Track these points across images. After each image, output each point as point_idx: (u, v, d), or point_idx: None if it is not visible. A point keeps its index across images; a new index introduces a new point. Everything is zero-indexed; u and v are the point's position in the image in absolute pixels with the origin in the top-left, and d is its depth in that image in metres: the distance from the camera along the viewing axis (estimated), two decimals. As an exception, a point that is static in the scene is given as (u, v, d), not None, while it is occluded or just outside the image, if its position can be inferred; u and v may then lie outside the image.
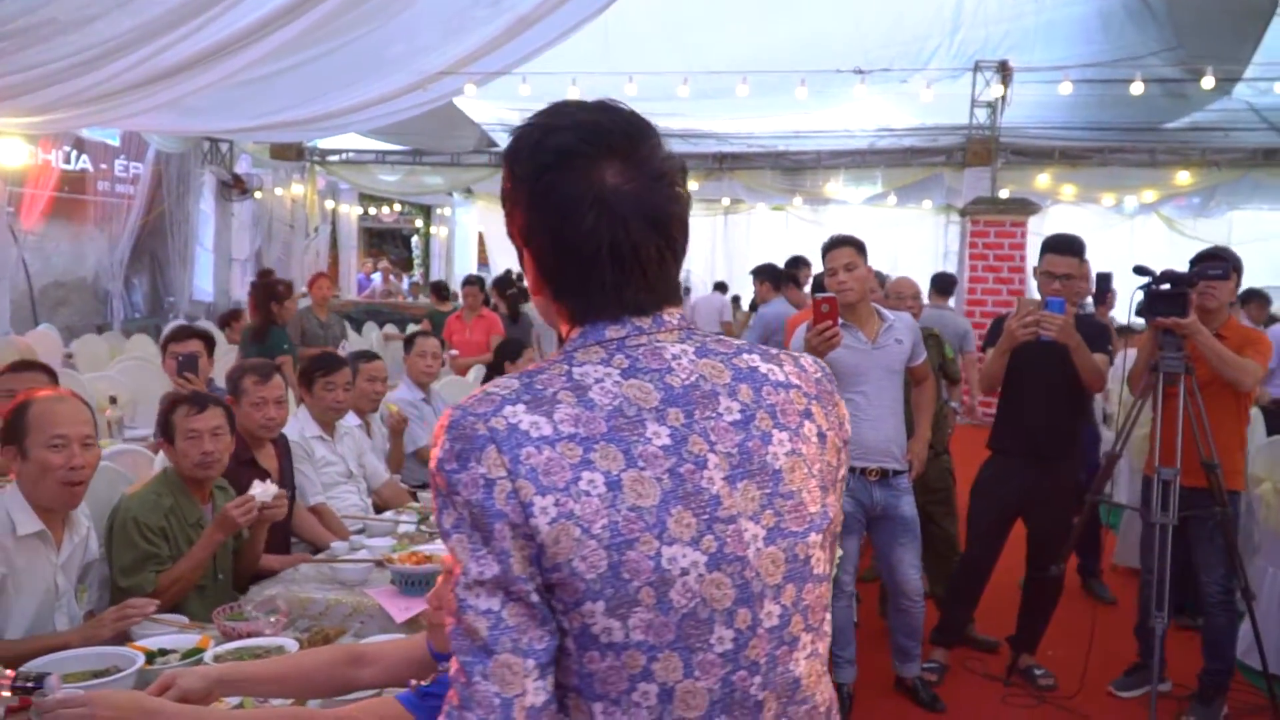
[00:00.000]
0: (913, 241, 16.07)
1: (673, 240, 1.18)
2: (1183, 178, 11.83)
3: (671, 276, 1.21)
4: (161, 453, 3.39)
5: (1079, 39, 11.06)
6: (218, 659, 2.26)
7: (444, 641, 1.80)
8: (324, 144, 14.20)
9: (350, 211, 16.43)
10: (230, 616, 2.54)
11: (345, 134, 12.81)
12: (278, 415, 3.53)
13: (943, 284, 7.86)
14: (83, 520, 2.71)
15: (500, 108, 13.03)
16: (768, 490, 1.13)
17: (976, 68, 11.31)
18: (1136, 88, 9.31)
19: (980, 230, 10.79)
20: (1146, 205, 14.13)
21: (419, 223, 18.64)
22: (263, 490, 2.96)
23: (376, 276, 16.62)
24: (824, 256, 3.99)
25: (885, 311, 4.03)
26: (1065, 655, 4.48)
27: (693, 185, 13.30)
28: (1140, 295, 3.88)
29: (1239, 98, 11.70)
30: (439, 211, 18.18)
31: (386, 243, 21.24)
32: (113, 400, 5.14)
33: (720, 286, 15.01)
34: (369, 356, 4.56)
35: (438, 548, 3.03)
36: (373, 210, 18.20)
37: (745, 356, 1.20)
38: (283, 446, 3.69)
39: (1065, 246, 4.19)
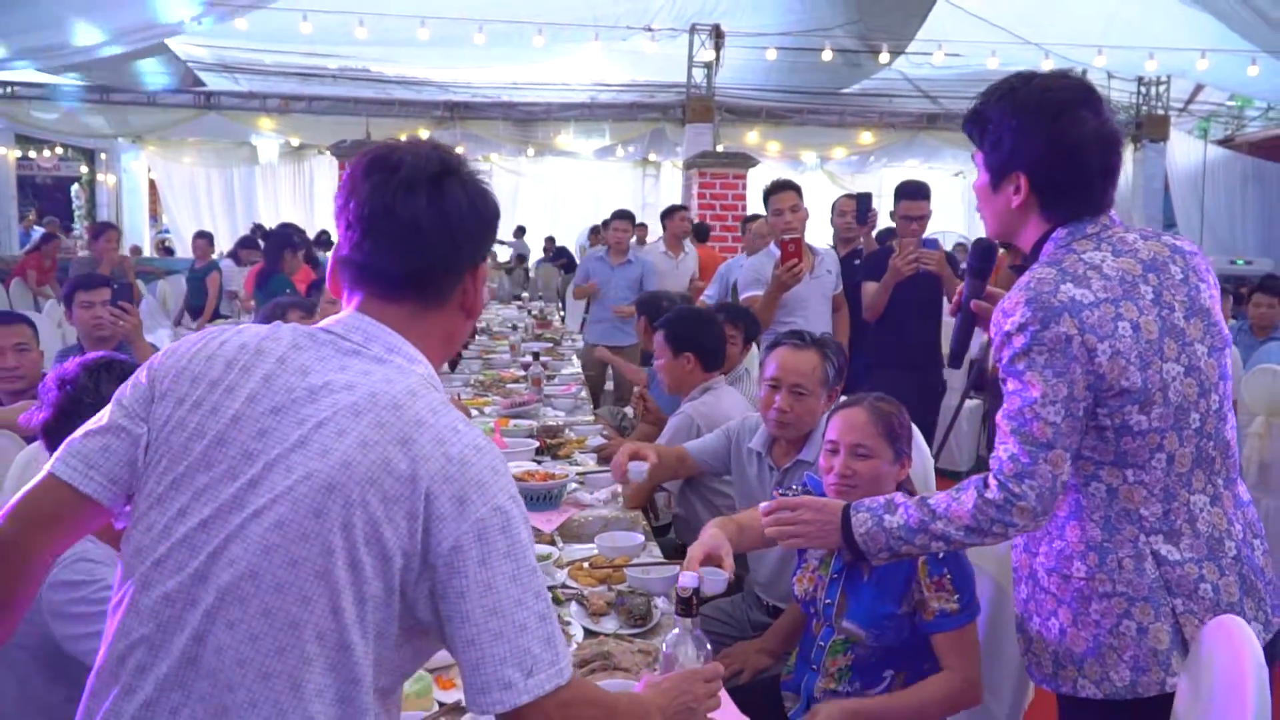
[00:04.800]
0: (613, 193, 16.96)
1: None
2: (865, 138, 13.56)
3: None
4: None
5: (781, 8, 12.29)
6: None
7: None
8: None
9: (9, 154, 14.39)
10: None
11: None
12: None
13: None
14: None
15: (196, 45, 12.12)
16: (1205, 322, 1.73)
17: (692, 30, 12.22)
18: (827, 54, 10.63)
19: (707, 182, 11.72)
20: (817, 162, 15.97)
21: (84, 169, 16.63)
22: None
23: (38, 231, 14.72)
24: (768, 199, 4.51)
25: (815, 246, 4.63)
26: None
27: (423, 134, 13.17)
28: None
29: (896, 69, 13.57)
30: (101, 157, 16.36)
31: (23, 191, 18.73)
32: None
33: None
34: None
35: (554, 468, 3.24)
36: (32, 154, 16.03)
37: (1165, 237, 1.79)
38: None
39: (917, 192, 4.97)
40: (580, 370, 6.16)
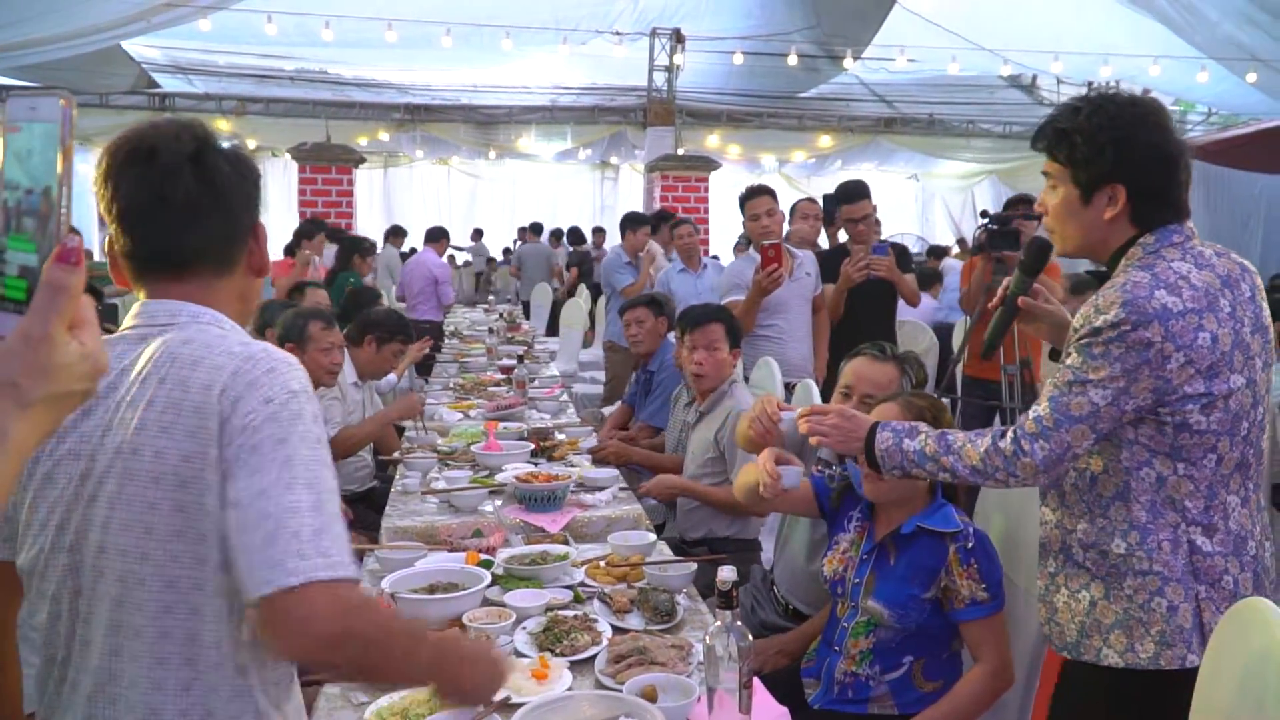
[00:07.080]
0: (572, 196, 17.02)
1: None
2: (824, 141, 13.73)
3: None
4: None
5: (740, 13, 12.39)
6: (510, 561, 2.47)
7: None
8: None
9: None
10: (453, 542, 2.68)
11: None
12: (340, 360, 3.56)
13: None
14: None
15: (151, 46, 11.92)
16: (1264, 339, 1.84)
17: (653, 33, 12.27)
18: (792, 59, 10.82)
19: (669, 185, 11.81)
20: (775, 164, 16.12)
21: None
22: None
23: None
24: (744, 205, 4.58)
25: (794, 249, 4.71)
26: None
27: (383, 136, 13.12)
28: (981, 233, 4.88)
29: (852, 74, 13.75)
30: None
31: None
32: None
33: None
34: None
35: (555, 469, 3.28)
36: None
37: (1233, 255, 1.88)
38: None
39: (855, 194, 4.95)
40: (558, 375, 6.21)
